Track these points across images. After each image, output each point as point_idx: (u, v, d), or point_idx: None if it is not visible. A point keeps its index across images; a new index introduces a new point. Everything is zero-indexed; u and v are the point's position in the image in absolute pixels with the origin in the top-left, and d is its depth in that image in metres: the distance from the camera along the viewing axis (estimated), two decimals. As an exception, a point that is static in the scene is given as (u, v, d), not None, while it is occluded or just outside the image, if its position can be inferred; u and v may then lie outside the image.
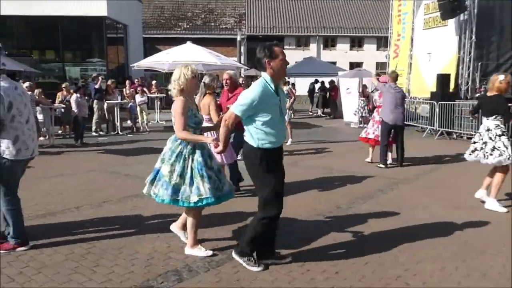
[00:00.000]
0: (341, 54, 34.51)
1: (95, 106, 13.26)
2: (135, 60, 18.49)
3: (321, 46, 35.40)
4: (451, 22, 14.77)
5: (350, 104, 17.06)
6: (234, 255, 3.84)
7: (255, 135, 3.56)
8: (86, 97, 12.62)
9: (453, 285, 3.55)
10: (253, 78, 13.97)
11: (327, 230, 4.79)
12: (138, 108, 14.52)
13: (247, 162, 3.69)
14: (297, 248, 4.23)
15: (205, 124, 5.61)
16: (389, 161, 8.46)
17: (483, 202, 5.83)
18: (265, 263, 3.81)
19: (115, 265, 3.82)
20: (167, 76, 25.27)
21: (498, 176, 5.69)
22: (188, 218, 4.07)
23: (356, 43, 35.57)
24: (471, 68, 14.38)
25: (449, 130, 12.94)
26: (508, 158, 5.51)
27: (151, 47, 29.73)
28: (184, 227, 4.28)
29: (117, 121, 13.60)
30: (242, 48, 28.89)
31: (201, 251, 4.04)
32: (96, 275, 3.63)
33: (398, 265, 3.89)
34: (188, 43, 14.54)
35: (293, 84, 23.08)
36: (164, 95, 20.00)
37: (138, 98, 14.59)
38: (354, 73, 18.03)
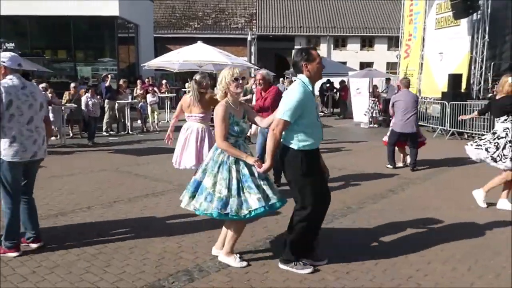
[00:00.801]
0: (352, 54, 34.38)
1: (106, 105, 13.35)
2: (146, 59, 18.59)
3: (332, 46, 35.30)
4: (464, 22, 14.64)
5: (360, 104, 16.98)
6: (280, 265, 3.79)
7: (296, 137, 3.57)
8: (98, 97, 12.71)
9: (466, 285, 3.52)
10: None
11: (337, 229, 4.78)
12: (149, 108, 14.60)
13: (287, 165, 3.65)
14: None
15: (198, 124, 5.52)
16: (400, 163, 8.39)
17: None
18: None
19: (126, 265, 3.85)
20: (178, 75, 25.37)
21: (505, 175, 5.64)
22: (232, 228, 3.82)
23: (367, 43, 35.43)
24: (483, 68, 14.25)
25: (460, 130, 12.82)
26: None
27: (161, 46, 29.92)
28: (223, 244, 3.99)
29: (128, 121, 13.69)
30: (253, 48, 28.90)
31: (235, 261, 3.84)
32: (108, 275, 3.67)
33: (409, 265, 3.87)
34: (199, 42, 14.57)
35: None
36: (175, 94, 20.07)
37: (150, 98, 14.67)
38: (365, 73, 17.93)
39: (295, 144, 3.58)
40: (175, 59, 14.06)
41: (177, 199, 5.94)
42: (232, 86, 3.68)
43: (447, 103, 13.06)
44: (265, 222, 4.95)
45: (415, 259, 4.01)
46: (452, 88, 13.42)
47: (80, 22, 21.33)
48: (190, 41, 16.61)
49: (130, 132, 13.52)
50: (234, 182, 3.59)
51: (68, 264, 3.86)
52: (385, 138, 8.82)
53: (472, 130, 12.43)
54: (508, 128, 5.59)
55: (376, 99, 16.51)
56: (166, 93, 18.55)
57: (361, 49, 35.24)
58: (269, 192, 3.67)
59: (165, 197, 6.17)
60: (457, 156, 9.59)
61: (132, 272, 3.71)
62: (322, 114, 21.79)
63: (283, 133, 3.59)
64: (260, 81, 6.55)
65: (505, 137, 5.56)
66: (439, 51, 16.03)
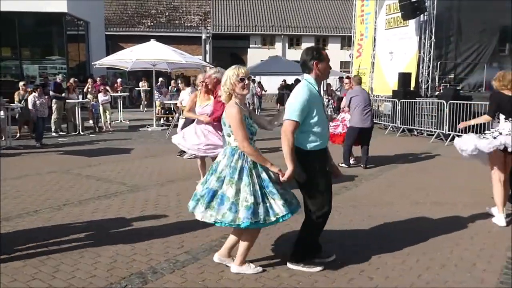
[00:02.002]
0: (306, 53, 34.84)
1: (54, 105, 12.84)
2: (97, 58, 18.07)
3: (286, 45, 35.68)
4: (412, 23, 15.23)
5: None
6: (290, 265, 3.75)
7: (305, 138, 3.54)
8: (46, 96, 12.18)
9: (414, 277, 3.64)
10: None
11: (290, 225, 4.81)
12: (101, 108, 14.16)
13: (299, 165, 3.52)
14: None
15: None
16: (351, 161, 8.51)
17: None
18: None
19: (76, 270, 3.70)
20: (131, 74, 24.81)
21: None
22: (245, 236, 3.62)
23: (321, 42, 36.03)
24: (430, 67, 14.87)
25: (410, 127, 13.30)
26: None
27: (114, 44, 29.15)
28: (230, 253, 3.80)
29: (78, 121, 13.22)
30: (207, 46, 28.71)
31: (250, 268, 3.67)
32: (56, 280, 3.51)
33: (361, 259, 3.96)
34: (152, 41, 14.35)
35: (259, 83, 23.22)
36: (128, 94, 19.60)
37: (101, 97, 14.23)
38: (319, 72, 18.22)
39: (305, 145, 3.55)
40: (128, 57, 13.80)
41: (130, 201, 5.85)
42: (238, 87, 3.45)
43: (397, 101, 13.52)
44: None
45: (367, 253, 4.10)
46: (402, 87, 13.92)
47: (25, 18, 20.37)
48: (143, 39, 16.35)
49: (81, 133, 13.07)
50: (257, 188, 3.40)
51: (13, 271, 3.66)
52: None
53: (421, 127, 12.92)
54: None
55: (330, 97, 16.85)
56: (120, 92, 18.12)
57: (315, 48, 35.78)
58: (287, 196, 3.55)
59: (118, 198, 6.00)
60: (407, 152, 9.96)
61: (83, 277, 3.57)
62: (278, 112, 21.96)
63: (296, 137, 3.53)
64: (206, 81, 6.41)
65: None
66: (390, 51, 16.58)
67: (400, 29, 15.98)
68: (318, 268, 3.73)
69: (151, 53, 13.43)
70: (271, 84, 25.21)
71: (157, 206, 5.64)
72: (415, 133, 13.37)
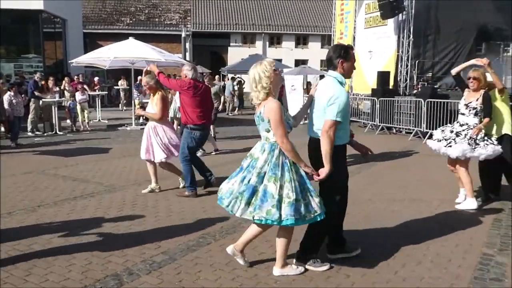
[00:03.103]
0: (287, 51, 34.98)
1: (31, 105, 12.57)
2: (74, 56, 17.77)
3: (267, 43, 35.70)
4: (391, 22, 15.39)
5: (295, 101, 17.27)
6: (296, 261, 3.74)
7: (336, 134, 3.51)
8: (23, 95, 11.91)
9: (391, 274, 3.67)
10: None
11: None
12: (78, 107, 13.91)
13: (316, 159, 3.57)
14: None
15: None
16: None
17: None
18: (336, 257, 3.88)
19: (49, 273, 3.61)
20: (110, 72, 24.42)
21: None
22: (281, 236, 3.53)
23: (301, 41, 36.19)
24: (409, 66, 15.06)
25: (389, 125, 13.45)
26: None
27: (92, 42, 28.67)
28: (243, 249, 3.70)
29: (55, 120, 12.97)
30: (187, 44, 28.52)
31: (293, 269, 3.62)
32: (28, 284, 3.42)
33: (337, 257, 3.96)
34: (131, 38, 14.17)
35: (240, 82, 23.07)
36: (106, 92, 19.32)
37: (79, 96, 13.98)
38: (299, 70, 18.31)
39: (334, 141, 3.50)
40: (106, 55, 13.58)
41: (107, 201, 5.75)
42: (276, 79, 3.41)
43: (376, 100, 13.65)
44: (200, 220, 4.87)
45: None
46: (381, 85, 14.06)
47: (1, 15, 19.90)
48: (122, 37, 16.10)
49: (58, 132, 12.82)
50: (297, 184, 3.35)
51: (-17, 275, 3.56)
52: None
53: (400, 125, 13.08)
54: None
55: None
56: (98, 90, 17.83)
57: (295, 47, 35.96)
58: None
59: (94, 199, 5.89)
60: (386, 150, 10.06)
61: (56, 280, 3.49)
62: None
63: (316, 130, 3.59)
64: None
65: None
66: (369, 50, 16.74)
67: (379, 28, 16.14)
68: (326, 267, 3.73)
69: (129, 51, 13.25)
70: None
71: (134, 206, 5.56)
72: (394, 131, 13.53)
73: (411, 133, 12.44)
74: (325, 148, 3.44)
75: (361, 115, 15.17)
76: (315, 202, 3.38)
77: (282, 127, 3.33)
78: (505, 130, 5.55)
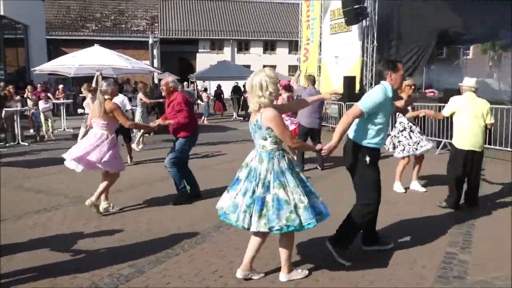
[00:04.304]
0: (255, 57, 35.21)
1: (-7, 114, 12.14)
2: (37, 63, 17.28)
3: (235, 49, 35.81)
4: (355, 28, 15.72)
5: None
6: (328, 244, 4.02)
7: (364, 134, 3.93)
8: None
9: (359, 277, 3.73)
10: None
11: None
12: (42, 116, 13.53)
13: (352, 158, 4.00)
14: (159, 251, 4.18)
15: (100, 130, 5.43)
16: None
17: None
18: (370, 249, 4.25)
19: (12, 290, 3.50)
20: (75, 80, 23.85)
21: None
22: (283, 242, 3.56)
23: (269, 46, 36.49)
24: (373, 71, 15.39)
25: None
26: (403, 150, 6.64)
27: (55, 49, 27.99)
28: (251, 265, 3.65)
29: (18, 130, 12.56)
30: (155, 51, 28.27)
31: (298, 274, 3.68)
32: (-11, 303, 3.30)
33: (306, 261, 4.00)
34: (96, 45, 13.89)
35: (205, 89, 22.63)
36: (72, 100, 18.87)
37: (42, 104, 13.59)
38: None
39: (361, 140, 3.93)
40: (70, 63, 13.28)
41: (72, 214, 5.61)
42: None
43: (343, 104, 13.88)
44: (168, 231, 4.82)
45: (313, 255, 4.14)
46: (347, 90, 14.31)
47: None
48: (88, 43, 15.79)
49: (21, 142, 12.42)
50: (302, 188, 3.43)
51: None
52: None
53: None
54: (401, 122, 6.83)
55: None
56: (62, 99, 17.41)
57: (264, 53, 36.21)
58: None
59: (59, 211, 5.73)
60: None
61: (19, 298, 3.38)
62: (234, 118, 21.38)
63: (355, 131, 3.97)
64: (163, 87, 6.26)
65: (400, 128, 6.86)
66: (335, 55, 17.03)
67: (344, 34, 16.45)
68: (347, 263, 3.91)
69: (94, 59, 12.98)
70: (223, 89, 24.88)
71: (101, 218, 5.45)
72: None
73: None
74: (339, 126, 3.86)
75: (329, 119, 15.38)
76: (319, 203, 3.52)
77: (288, 131, 3.50)
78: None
